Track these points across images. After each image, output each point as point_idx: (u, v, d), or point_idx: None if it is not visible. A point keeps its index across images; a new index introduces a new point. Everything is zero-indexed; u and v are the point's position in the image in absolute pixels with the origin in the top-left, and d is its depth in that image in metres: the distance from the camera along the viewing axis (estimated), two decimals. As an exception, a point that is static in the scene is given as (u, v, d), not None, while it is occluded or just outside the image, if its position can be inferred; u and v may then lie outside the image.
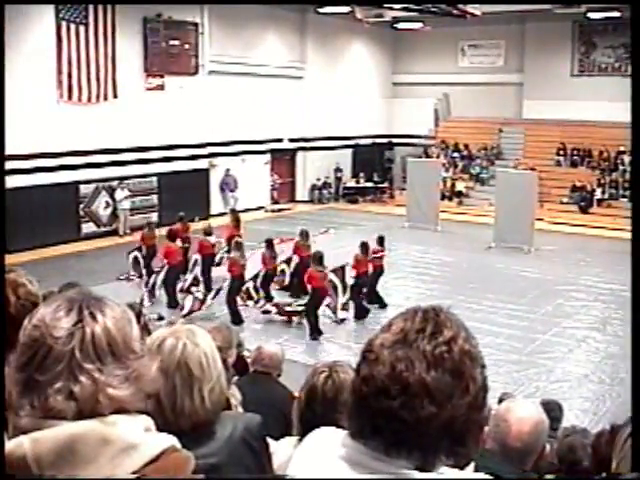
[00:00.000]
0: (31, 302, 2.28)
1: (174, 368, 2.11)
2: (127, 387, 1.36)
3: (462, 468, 1.36)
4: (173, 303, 14.95)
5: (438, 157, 29.74)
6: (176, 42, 23.90)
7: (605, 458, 3.03)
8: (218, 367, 2.20)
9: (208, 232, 16.36)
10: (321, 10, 27.06)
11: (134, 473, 1.30)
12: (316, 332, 13.36)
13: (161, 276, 15.20)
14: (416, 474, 1.29)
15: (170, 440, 1.40)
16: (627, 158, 25.89)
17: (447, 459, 1.31)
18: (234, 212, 19.01)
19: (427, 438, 1.28)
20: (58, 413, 1.30)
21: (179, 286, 15.35)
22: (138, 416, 1.38)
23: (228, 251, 16.01)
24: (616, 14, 25.02)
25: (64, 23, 20.41)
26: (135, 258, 16.90)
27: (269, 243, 15.43)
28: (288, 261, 15.99)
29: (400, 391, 1.27)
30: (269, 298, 14.92)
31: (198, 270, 15.80)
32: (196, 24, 24.53)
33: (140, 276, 16.51)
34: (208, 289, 15.09)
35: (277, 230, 20.78)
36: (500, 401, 3.45)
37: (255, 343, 7.23)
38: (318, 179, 30.29)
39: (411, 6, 25.10)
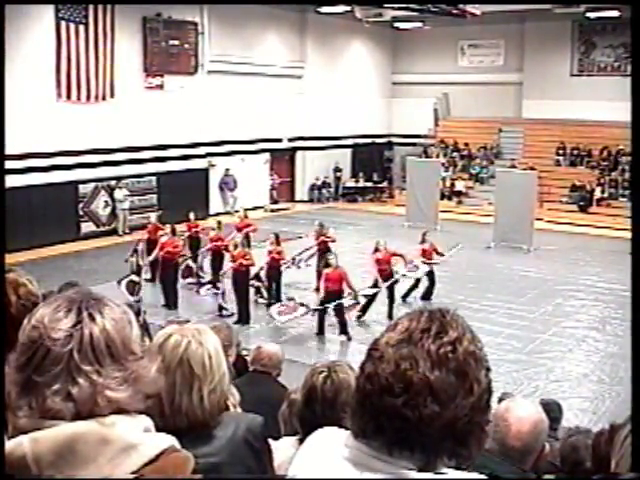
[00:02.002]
0: (32, 302, 2.28)
1: (176, 365, 2.11)
2: (125, 389, 1.35)
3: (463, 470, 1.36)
4: (172, 303, 14.84)
5: (438, 157, 29.73)
6: (176, 42, 23.90)
7: (604, 457, 3.03)
8: (222, 369, 2.19)
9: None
10: (321, 10, 27.07)
11: (133, 473, 1.30)
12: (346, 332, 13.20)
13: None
14: (418, 474, 1.29)
15: (169, 440, 1.40)
16: (625, 158, 25.91)
17: (449, 460, 1.31)
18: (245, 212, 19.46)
19: (429, 438, 1.28)
20: (56, 414, 1.30)
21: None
22: (137, 416, 1.37)
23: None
24: (615, 14, 25.01)
25: (63, 23, 20.42)
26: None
27: (277, 239, 15.42)
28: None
29: (404, 389, 1.28)
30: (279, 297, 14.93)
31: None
32: (196, 24, 24.53)
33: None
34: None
35: (276, 230, 20.75)
36: (500, 401, 3.46)
37: (255, 342, 7.23)
38: (317, 179, 30.28)
39: (411, 6, 25.08)
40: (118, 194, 22.32)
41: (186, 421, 2.07)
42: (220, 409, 2.17)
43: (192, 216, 17.69)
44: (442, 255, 16.01)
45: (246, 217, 18.62)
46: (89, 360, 1.33)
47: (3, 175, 14.22)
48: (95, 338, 1.35)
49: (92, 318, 1.37)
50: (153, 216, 17.92)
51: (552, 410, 5.70)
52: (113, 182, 22.40)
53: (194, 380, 2.11)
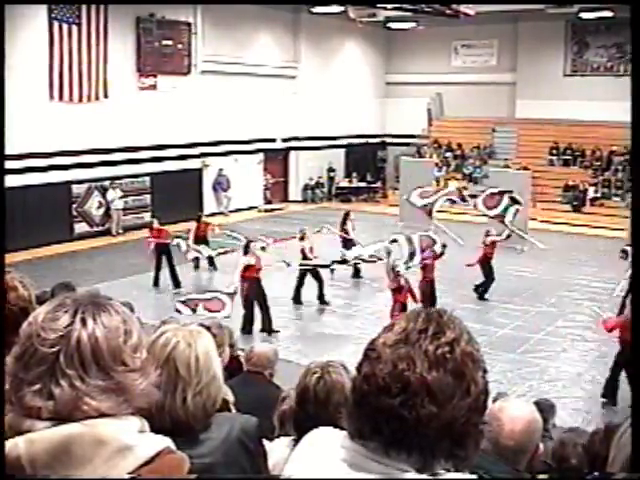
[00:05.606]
0: (19, 307, 2.23)
1: (162, 363, 2.09)
2: (107, 398, 1.33)
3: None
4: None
5: (431, 156, 29.75)
6: (169, 42, 23.86)
7: (599, 456, 3.04)
8: (211, 373, 2.16)
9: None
10: (314, 10, 27.05)
11: (129, 474, 1.30)
12: None
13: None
14: (414, 475, 1.29)
15: (165, 442, 1.40)
16: (618, 158, 25.99)
17: (446, 462, 1.31)
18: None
19: (427, 439, 1.28)
20: (34, 412, 1.30)
21: None
22: (130, 418, 1.37)
23: None
24: (608, 14, 25.07)
25: (56, 23, 20.36)
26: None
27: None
28: None
29: (401, 389, 1.28)
30: None
31: None
32: (189, 24, 24.50)
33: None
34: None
35: (270, 230, 20.75)
36: (494, 401, 3.47)
37: (251, 343, 7.22)
38: (311, 179, 30.28)
39: (404, 6, 25.09)
40: (111, 194, 22.27)
41: (169, 421, 2.04)
42: (206, 413, 2.14)
43: (203, 217, 17.83)
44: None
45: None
46: (74, 365, 1.32)
47: (3, 175, 14.16)
48: (82, 343, 1.33)
49: (84, 323, 1.35)
50: (155, 221, 17.64)
51: (543, 409, 5.71)
52: (106, 182, 22.34)
53: (178, 381, 2.10)
